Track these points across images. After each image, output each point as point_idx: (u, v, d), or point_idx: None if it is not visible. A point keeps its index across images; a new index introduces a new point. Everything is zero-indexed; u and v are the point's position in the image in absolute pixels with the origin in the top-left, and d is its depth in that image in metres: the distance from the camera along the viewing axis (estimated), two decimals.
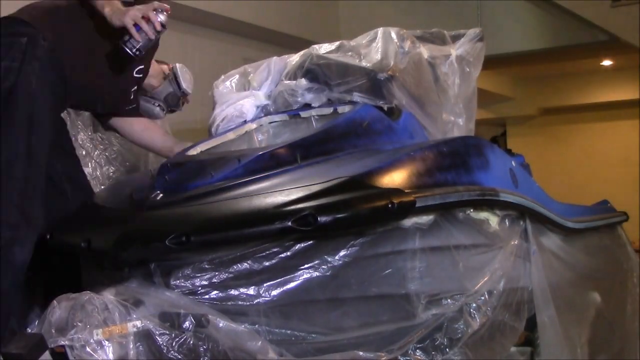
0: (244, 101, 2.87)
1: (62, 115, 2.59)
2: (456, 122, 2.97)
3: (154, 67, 2.86)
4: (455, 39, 3.11)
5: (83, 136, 3.04)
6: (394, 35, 2.81)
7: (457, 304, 2.28)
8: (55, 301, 1.94)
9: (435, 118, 2.88)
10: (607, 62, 10.07)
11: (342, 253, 2.07)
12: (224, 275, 2.03)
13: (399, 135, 2.67)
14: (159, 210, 2.10)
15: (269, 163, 2.25)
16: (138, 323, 1.90)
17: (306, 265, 2.06)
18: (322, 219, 1.91)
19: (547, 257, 2.69)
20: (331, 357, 2.07)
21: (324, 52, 2.81)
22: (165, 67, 2.97)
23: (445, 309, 2.26)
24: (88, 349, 1.84)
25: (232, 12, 6.27)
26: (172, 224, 1.99)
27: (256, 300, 2.04)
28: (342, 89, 2.74)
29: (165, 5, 2.27)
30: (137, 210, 2.12)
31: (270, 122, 2.85)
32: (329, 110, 2.76)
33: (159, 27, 2.25)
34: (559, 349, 2.68)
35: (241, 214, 2.00)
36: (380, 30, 2.84)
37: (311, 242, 2.04)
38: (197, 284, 2.04)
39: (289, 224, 1.91)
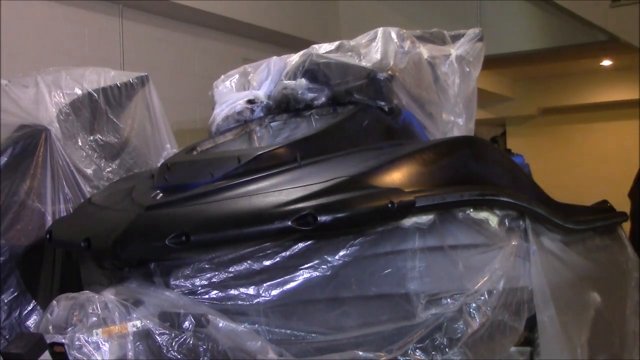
0: (244, 101, 2.87)
1: (62, 116, 2.58)
2: (456, 122, 2.97)
3: None
4: (455, 39, 3.11)
5: (82, 137, 3.04)
6: (394, 35, 2.81)
7: (457, 303, 2.28)
8: (54, 300, 1.93)
9: (435, 118, 2.88)
10: (606, 62, 10.09)
11: (342, 253, 2.07)
12: (223, 275, 2.03)
13: (399, 135, 2.67)
14: (159, 210, 2.09)
15: (269, 163, 2.24)
16: (138, 323, 1.90)
17: (306, 265, 2.06)
18: (321, 218, 1.90)
19: (547, 257, 2.68)
20: (331, 357, 2.07)
21: (324, 52, 2.80)
22: None
23: (445, 309, 2.26)
24: (87, 349, 1.84)
25: (232, 12, 6.28)
26: (172, 223, 1.99)
27: (256, 300, 2.04)
28: (342, 89, 2.74)
29: None
30: (137, 210, 2.11)
31: (270, 122, 2.85)
32: (329, 110, 2.76)
33: None
34: (559, 348, 2.67)
35: (241, 214, 1.99)
36: (380, 30, 2.83)
37: (311, 242, 2.04)
38: (197, 283, 2.03)
39: (289, 223, 1.90)
